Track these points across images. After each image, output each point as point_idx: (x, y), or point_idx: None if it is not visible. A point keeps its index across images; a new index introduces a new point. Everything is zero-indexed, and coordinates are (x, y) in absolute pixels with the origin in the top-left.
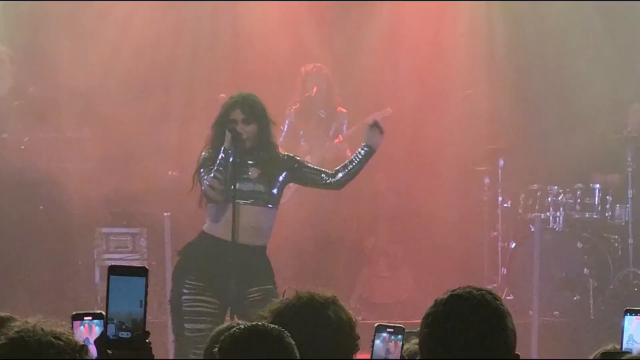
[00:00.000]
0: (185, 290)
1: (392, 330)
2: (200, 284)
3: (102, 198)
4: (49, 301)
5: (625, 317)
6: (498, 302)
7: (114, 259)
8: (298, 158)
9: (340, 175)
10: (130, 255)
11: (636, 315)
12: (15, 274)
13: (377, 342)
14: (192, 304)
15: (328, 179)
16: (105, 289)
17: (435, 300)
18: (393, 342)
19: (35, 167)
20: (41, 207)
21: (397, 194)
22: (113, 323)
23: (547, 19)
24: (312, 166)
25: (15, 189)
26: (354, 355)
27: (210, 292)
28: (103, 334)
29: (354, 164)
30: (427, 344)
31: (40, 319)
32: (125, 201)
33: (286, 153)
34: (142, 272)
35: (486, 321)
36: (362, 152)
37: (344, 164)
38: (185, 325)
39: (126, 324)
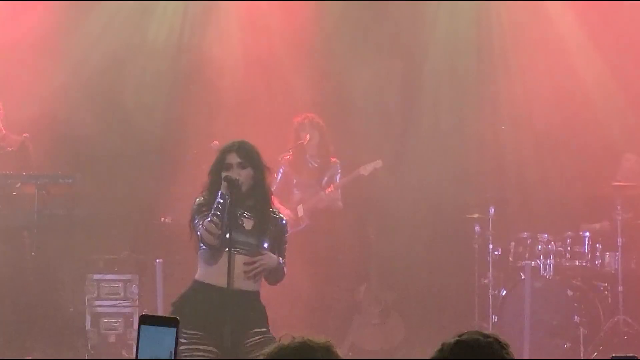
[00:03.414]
0: (183, 340)
1: None
2: (198, 333)
3: (93, 244)
4: (41, 348)
5: None
6: (504, 351)
7: (105, 306)
8: (284, 232)
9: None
10: (121, 302)
11: None
12: (5, 320)
13: None
14: (190, 353)
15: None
16: (135, 338)
17: (442, 344)
18: None
19: (27, 213)
20: (32, 253)
21: (388, 241)
22: None
23: (537, 65)
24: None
25: (5, 234)
26: None
27: (207, 340)
28: None
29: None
30: None
31: None
32: (117, 248)
33: (280, 215)
34: (173, 323)
35: None
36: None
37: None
38: None
39: None
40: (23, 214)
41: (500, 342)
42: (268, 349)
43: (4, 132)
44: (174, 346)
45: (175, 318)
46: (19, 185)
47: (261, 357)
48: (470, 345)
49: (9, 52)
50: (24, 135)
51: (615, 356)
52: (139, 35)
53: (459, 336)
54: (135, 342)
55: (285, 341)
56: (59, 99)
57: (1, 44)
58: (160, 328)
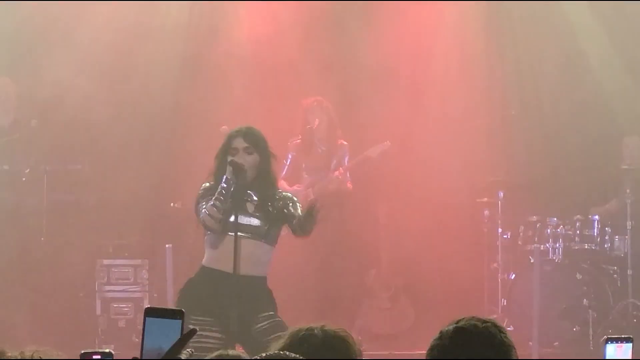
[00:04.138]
0: (191, 326)
1: None
2: (205, 319)
3: (103, 230)
4: (51, 333)
5: (607, 345)
6: (503, 334)
7: (116, 291)
8: (290, 202)
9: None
10: (131, 287)
11: (617, 342)
12: (16, 306)
13: None
14: (198, 339)
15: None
16: (141, 329)
17: (441, 332)
18: None
19: (36, 199)
20: (42, 239)
21: (398, 226)
22: None
23: (545, 50)
24: (293, 211)
25: (15, 220)
26: None
27: (216, 326)
28: None
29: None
30: None
31: (36, 349)
32: (127, 233)
33: (284, 193)
34: (178, 315)
35: (490, 354)
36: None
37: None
38: None
39: None
40: (32, 200)
41: (497, 326)
42: (286, 336)
43: (14, 117)
44: (179, 338)
45: (181, 310)
46: (28, 171)
47: (281, 342)
48: (469, 331)
49: (20, 37)
50: (33, 121)
51: (610, 337)
52: (147, 21)
53: (457, 322)
54: (141, 335)
55: (303, 328)
56: (68, 85)
57: (13, 29)
58: (165, 320)
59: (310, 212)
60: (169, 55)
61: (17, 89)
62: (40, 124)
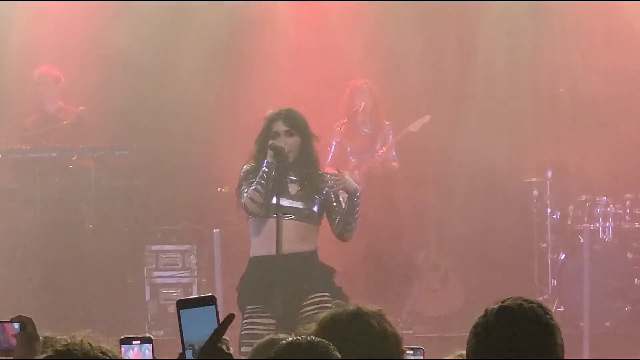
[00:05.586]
0: (245, 315)
1: (411, 352)
2: (258, 307)
3: (151, 215)
4: (101, 320)
5: None
6: (548, 316)
7: (164, 277)
8: (337, 192)
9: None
10: (180, 272)
11: None
12: (65, 293)
13: None
14: (248, 327)
15: (335, 226)
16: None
17: (486, 310)
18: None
19: (84, 186)
20: (90, 225)
21: (446, 207)
22: (191, 349)
23: (594, 25)
24: (336, 206)
25: (63, 207)
26: None
27: (268, 312)
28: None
29: (343, 213)
30: (475, 353)
31: (87, 334)
32: (175, 218)
33: (330, 173)
34: (210, 300)
35: (535, 335)
36: (345, 200)
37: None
38: (242, 349)
39: None
40: (80, 186)
41: (543, 307)
42: (322, 317)
43: (61, 104)
44: (216, 322)
45: (212, 295)
46: (75, 157)
47: (313, 327)
48: (514, 310)
49: (67, 24)
50: (80, 107)
51: None
52: (191, 4)
53: (502, 302)
54: (178, 328)
55: (339, 309)
56: (115, 70)
57: (59, 17)
58: (199, 309)
59: (352, 201)
60: (213, 40)
61: (63, 76)
62: (87, 110)
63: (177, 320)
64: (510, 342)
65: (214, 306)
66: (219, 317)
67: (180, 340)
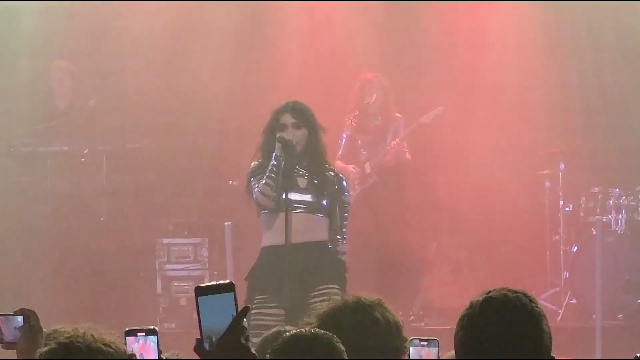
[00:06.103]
0: (254, 306)
1: (425, 342)
2: (266, 297)
3: (162, 209)
4: (113, 313)
5: None
6: (533, 304)
7: (176, 269)
8: (344, 191)
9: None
10: (192, 265)
11: None
12: (77, 286)
13: (412, 349)
14: (257, 317)
15: (336, 235)
16: (195, 308)
17: (471, 302)
18: (425, 350)
19: (95, 179)
20: (102, 219)
21: (458, 199)
22: (208, 341)
23: (605, 17)
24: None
25: (75, 201)
26: (401, 357)
27: (276, 302)
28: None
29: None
30: (462, 345)
31: (90, 326)
32: (186, 211)
33: (339, 174)
34: (229, 287)
35: (521, 323)
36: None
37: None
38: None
39: None
40: (91, 180)
41: (527, 295)
42: (320, 309)
43: (72, 98)
44: (234, 310)
45: (230, 282)
46: (86, 151)
47: (313, 319)
48: (499, 300)
49: (79, 20)
50: (91, 101)
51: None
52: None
53: (487, 293)
54: (197, 315)
55: (339, 301)
56: (125, 65)
57: (72, 12)
58: (217, 296)
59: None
60: (225, 34)
61: (74, 70)
62: (98, 104)
63: (195, 306)
64: (497, 331)
65: (232, 293)
66: (237, 303)
67: (198, 327)
